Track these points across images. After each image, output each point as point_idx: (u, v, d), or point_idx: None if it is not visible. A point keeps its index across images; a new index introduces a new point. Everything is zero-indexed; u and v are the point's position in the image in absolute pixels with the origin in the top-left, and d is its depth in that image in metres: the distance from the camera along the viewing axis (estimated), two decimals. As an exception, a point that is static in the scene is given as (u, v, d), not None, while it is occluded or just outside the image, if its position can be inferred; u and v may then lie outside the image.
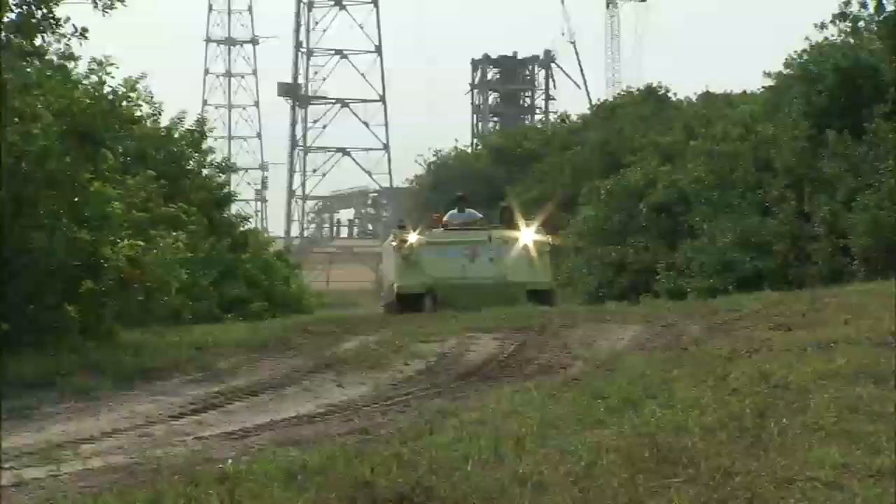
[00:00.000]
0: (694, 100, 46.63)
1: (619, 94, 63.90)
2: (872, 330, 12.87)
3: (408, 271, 26.85)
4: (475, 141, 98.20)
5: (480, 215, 29.05)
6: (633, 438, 8.33)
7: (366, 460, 8.26)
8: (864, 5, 30.07)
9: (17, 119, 16.13)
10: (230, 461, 9.01)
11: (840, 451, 7.76)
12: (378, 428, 10.25)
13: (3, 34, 16.28)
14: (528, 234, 26.73)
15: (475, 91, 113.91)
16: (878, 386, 9.76)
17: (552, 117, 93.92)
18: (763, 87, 35.78)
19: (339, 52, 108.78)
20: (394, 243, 27.82)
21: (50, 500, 8.06)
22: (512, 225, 27.58)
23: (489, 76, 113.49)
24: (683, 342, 14.30)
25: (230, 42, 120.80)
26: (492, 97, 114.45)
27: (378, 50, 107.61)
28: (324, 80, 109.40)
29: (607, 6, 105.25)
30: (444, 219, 29.03)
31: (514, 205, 31.59)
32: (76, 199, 17.50)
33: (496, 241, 26.75)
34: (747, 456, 7.75)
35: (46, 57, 17.41)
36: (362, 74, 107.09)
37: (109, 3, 16.54)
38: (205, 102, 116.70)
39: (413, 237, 27.02)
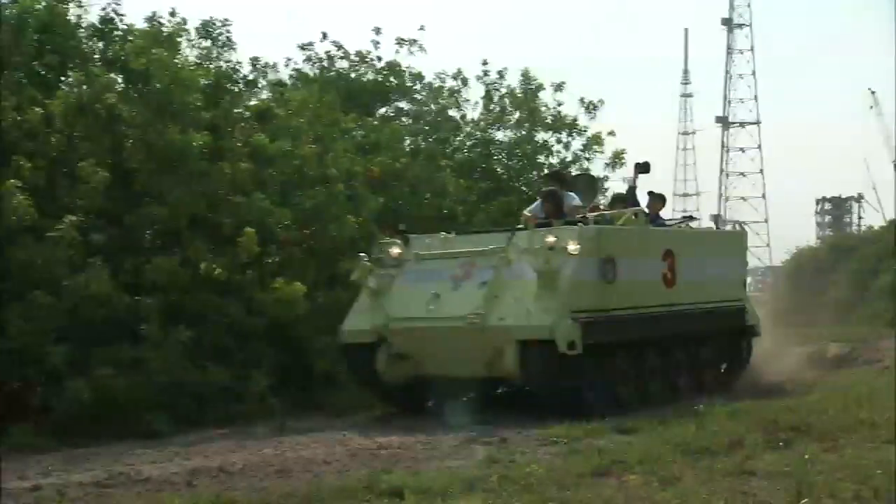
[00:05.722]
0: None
1: (898, 214, 56.72)
2: None
3: (360, 310, 7.84)
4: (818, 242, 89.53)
5: (579, 204, 8.18)
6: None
7: (773, 407, 7.53)
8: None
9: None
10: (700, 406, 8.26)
11: None
12: (780, 391, 9.30)
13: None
14: (563, 232, 7.21)
15: (818, 216, 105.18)
16: None
17: (863, 228, 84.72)
18: None
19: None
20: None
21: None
22: (559, 216, 7.87)
23: (826, 207, 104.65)
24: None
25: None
26: (827, 219, 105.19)
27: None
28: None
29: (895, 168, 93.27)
30: (526, 213, 8.40)
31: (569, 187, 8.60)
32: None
33: (516, 248, 7.38)
34: None
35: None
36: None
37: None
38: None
39: (395, 251, 7.86)
